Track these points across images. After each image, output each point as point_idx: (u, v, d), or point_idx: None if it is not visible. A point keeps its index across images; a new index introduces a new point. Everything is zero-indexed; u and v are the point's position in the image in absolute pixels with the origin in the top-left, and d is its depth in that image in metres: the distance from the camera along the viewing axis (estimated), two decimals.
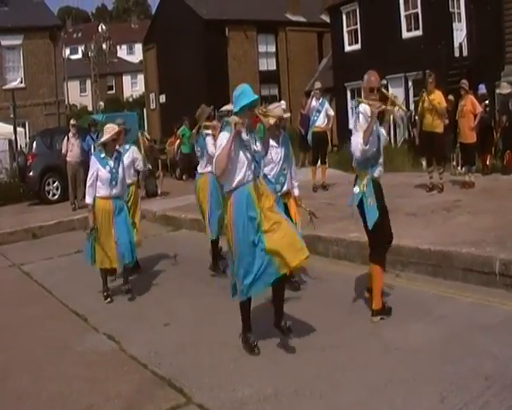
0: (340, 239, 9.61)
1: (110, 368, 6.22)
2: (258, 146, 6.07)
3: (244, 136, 5.94)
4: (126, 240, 8.52)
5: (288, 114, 7.85)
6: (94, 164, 8.51)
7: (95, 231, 8.43)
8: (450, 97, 15.62)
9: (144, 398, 5.42)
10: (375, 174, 6.74)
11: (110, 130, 8.55)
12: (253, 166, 5.96)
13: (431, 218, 10.63)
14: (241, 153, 5.91)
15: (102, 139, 8.59)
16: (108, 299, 8.60)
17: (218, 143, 6.00)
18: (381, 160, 6.80)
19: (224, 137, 5.85)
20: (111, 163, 8.54)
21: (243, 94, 5.93)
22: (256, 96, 5.98)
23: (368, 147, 6.47)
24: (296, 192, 8.03)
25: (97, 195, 8.48)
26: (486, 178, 14.73)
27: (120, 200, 8.73)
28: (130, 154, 9.92)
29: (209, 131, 9.31)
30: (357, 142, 6.52)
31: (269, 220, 5.93)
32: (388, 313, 6.85)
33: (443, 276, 8.14)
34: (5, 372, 6.36)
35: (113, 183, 8.50)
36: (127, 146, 9.97)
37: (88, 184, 8.51)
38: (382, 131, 6.90)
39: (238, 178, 5.92)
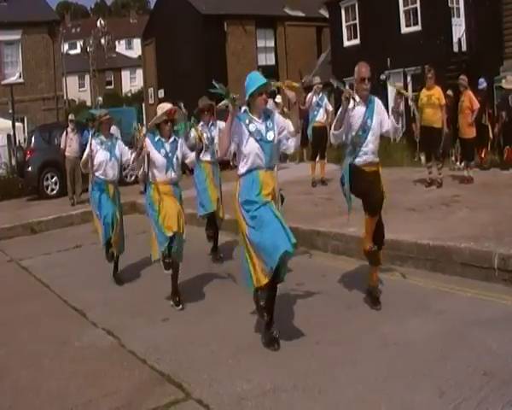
0: (339, 234, 9.60)
1: (109, 363, 6.21)
2: (270, 136, 6.04)
3: (252, 126, 5.99)
4: (181, 237, 7.78)
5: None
6: (147, 146, 7.67)
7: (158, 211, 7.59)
8: (449, 92, 15.61)
9: (143, 393, 5.42)
10: (355, 161, 6.89)
11: (161, 109, 7.76)
12: (262, 156, 5.98)
13: (430, 213, 10.64)
14: (251, 141, 5.97)
15: (152, 120, 7.76)
16: (181, 306, 7.73)
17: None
18: (365, 148, 6.87)
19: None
20: (167, 147, 7.73)
21: (251, 81, 5.99)
22: (263, 81, 5.99)
23: (337, 132, 6.82)
24: None
25: (152, 182, 7.76)
26: (485, 174, 14.74)
27: (178, 187, 7.96)
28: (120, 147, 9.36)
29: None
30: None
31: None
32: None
33: (442, 271, 8.14)
34: (3, 368, 6.36)
35: (170, 168, 7.73)
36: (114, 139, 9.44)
37: (142, 171, 7.77)
38: (390, 120, 6.97)
39: (247, 165, 5.99)
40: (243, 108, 6.16)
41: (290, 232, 5.86)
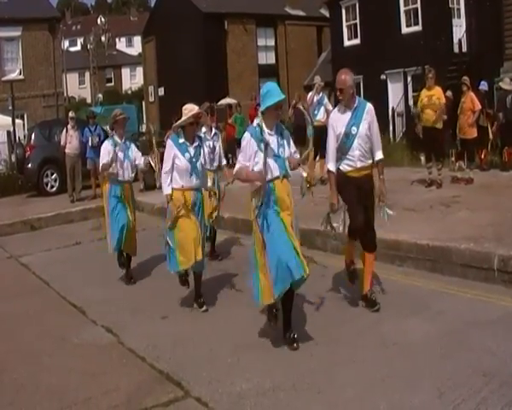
0: (338, 234, 9.57)
1: (108, 361, 6.22)
2: (281, 152, 6.06)
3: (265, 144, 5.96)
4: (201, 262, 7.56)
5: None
6: (170, 149, 7.41)
7: (174, 223, 7.40)
8: (449, 93, 15.62)
9: (142, 391, 5.42)
10: (341, 167, 6.93)
11: (187, 111, 7.36)
12: (276, 168, 6.00)
13: (429, 213, 10.63)
14: (264, 157, 5.95)
15: (178, 122, 7.41)
16: (204, 307, 7.53)
17: (242, 150, 6.11)
18: (351, 154, 6.86)
19: (248, 144, 6.04)
20: (191, 150, 7.41)
21: (269, 93, 5.94)
22: (282, 97, 5.98)
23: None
24: None
25: (174, 186, 7.44)
26: (485, 175, 14.73)
27: (201, 192, 7.70)
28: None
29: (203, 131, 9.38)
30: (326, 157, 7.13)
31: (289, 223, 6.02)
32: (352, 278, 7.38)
33: (441, 271, 8.14)
34: (3, 365, 6.36)
35: (193, 174, 7.44)
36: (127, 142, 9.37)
37: (164, 171, 7.43)
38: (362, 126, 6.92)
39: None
40: (256, 122, 6.15)
41: (300, 258, 5.91)
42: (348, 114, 6.84)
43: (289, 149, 6.23)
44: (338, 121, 6.90)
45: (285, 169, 6.08)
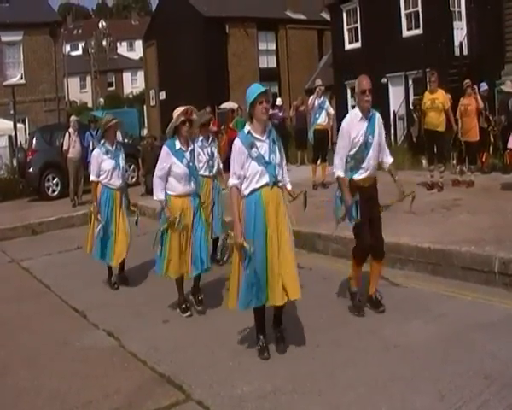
0: (339, 237, 9.58)
1: (109, 365, 6.23)
2: (273, 158, 5.92)
3: (254, 151, 5.88)
4: (205, 244, 7.53)
5: None
6: (166, 156, 7.34)
7: (176, 224, 7.25)
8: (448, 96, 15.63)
9: (144, 395, 5.43)
10: (355, 177, 6.82)
11: (177, 112, 7.41)
12: (266, 175, 5.88)
13: (431, 216, 10.63)
14: (254, 165, 5.89)
15: (170, 124, 7.43)
16: (188, 312, 7.58)
17: (234, 158, 5.99)
18: (366, 164, 6.80)
19: (239, 151, 5.93)
20: (187, 156, 7.42)
21: (250, 92, 5.87)
22: (262, 88, 5.90)
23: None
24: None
25: (172, 193, 7.41)
26: (486, 177, 14.73)
27: (198, 197, 7.69)
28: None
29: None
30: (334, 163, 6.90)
31: (277, 236, 5.91)
32: (358, 310, 7.03)
33: (442, 274, 8.15)
34: (4, 369, 6.37)
35: (191, 179, 7.47)
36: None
37: (158, 175, 7.38)
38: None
39: (251, 186, 5.91)
40: (246, 129, 6.02)
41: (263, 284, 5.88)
42: (364, 123, 6.77)
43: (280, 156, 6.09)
44: (355, 129, 6.75)
45: (275, 176, 5.93)
